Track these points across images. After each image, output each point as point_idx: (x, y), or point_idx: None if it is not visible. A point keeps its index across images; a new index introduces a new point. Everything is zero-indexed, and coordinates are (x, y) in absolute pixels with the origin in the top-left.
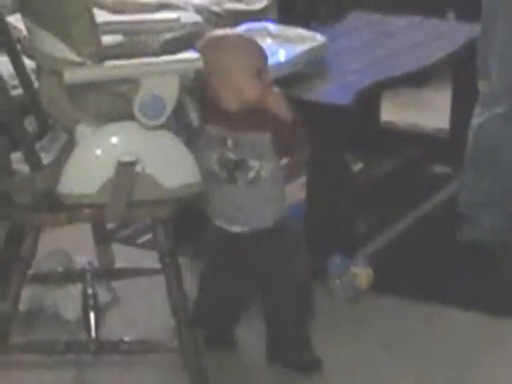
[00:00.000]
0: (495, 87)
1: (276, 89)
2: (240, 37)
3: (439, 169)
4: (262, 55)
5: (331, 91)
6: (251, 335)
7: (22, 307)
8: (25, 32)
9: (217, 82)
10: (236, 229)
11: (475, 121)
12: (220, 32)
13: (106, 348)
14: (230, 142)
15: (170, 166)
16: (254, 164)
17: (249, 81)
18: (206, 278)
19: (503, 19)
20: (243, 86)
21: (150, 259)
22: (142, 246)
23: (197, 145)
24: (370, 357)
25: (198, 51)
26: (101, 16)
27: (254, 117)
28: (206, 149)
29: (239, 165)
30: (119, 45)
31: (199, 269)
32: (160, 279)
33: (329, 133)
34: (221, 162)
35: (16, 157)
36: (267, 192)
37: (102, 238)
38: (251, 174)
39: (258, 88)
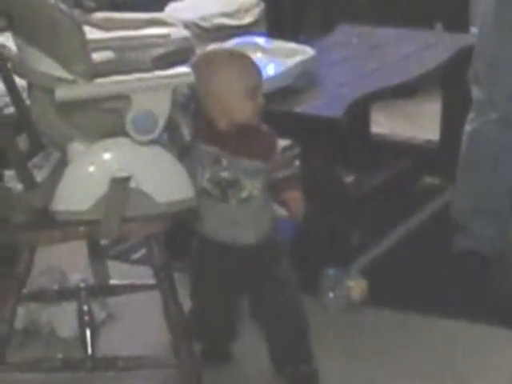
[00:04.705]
0: (489, 93)
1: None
2: (231, 55)
3: (429, 180)
4: (254, 74)
5: (322, 104)
6: (248, 347)
7: (17, 326)
8: (16, 50)
9: (208, 102)
10: (225, 241)
11: (468, 127)
12: (212, 49)
13: (102, 365)
14: (224, 162)
15: (164, 181)
16: (247, 183)
17: (239, 102)
18: (195, 291)
19: (497, 26)
20: (233, 107)
21: (144, 275)
22: (137, 261)
23: (189, 160)
24: (364, 370)
25: (191, 69)
26: (91, 33)
27: (247, 142)
28: (198, 165)
29: (233, 184)
30: (110, 61)
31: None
32: (155, 295)
33: (320, 145)
34: (214, 180)
35: (9, 175)
36: (257, 209)
37: (97, 255)
38: (244, 194)
39: (248, 109)
